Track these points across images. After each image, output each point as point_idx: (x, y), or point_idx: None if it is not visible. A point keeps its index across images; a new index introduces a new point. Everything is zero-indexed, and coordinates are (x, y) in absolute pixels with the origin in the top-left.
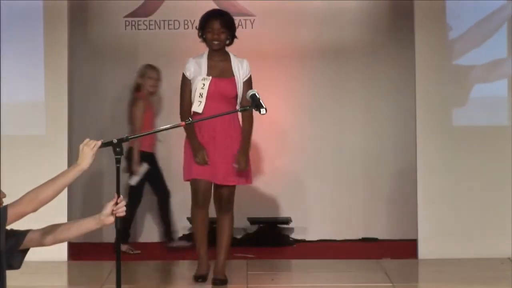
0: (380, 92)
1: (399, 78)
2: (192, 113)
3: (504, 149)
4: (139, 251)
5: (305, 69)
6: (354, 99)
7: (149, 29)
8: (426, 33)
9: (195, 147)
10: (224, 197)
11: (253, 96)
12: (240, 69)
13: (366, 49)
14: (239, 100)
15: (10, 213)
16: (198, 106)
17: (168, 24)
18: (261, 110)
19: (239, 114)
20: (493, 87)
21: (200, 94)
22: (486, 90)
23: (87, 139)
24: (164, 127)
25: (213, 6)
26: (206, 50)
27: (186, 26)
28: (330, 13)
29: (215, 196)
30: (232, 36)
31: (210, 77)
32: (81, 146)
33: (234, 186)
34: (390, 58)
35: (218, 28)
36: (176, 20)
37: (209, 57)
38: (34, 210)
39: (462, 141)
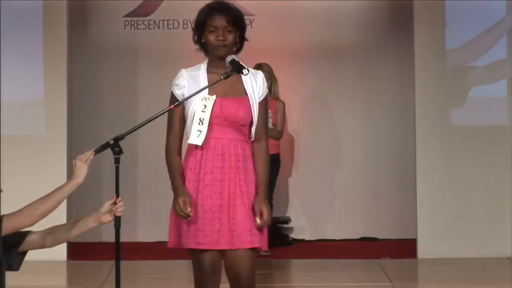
0: (379, 92)
1: (399, 78)
2: (187, 147)
3: (503, 149)
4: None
5: (304, 69)
6: (353, 99)
7: (148, 28)
8: (425, 33)
9: (176, 189)
10: (242, 271)
11: (233, 61)
12: (255, 85)
13: (366, 49)
14: (254, 128)
15: (6, 225)
16: (197, 137)
17: (168, 24)
18: (244, 71)
19: (251, 146)
20: (493, 87)
21: (200, 119)
22: (485, 90)
23: (79, 155)
24: (153, 116)
25: None
26: (204, 61)
27: (185, 26)
28: (330, 13)
29: (228, 272)
30: (241, 38)
31: (215, 97)
32: (73, 161)
33: (253, 251)
34: (390, 58)
35: (224, 26)
36: (175, 19)
37: (210, 69)
38: (31, 225)
39: (462, 141)
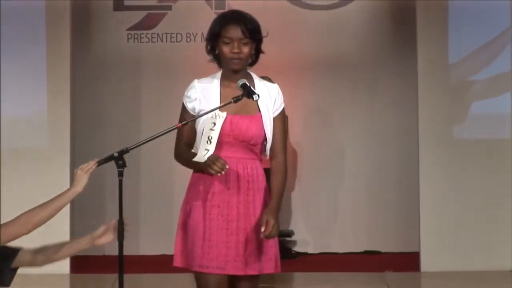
0: (382, 105)
1: (401, 92)
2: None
3: (505, 163)
4: None
5: (306, 82)
6: (356, 112)
7: (152, 42)
8: (428, 46)
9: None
10: None
11: (244, 85)
12: (269, 100)
13: (368, 61)
14: (268, 145)
15: (2, 233)
16: (204, 155)
17: (171, 37)
18: (254, 96)
19: (262, 164)
20: (496, 101)
21: (208, 138)
22: (488, 104)
23: (82, 165)
24: (160, 132)
25: None
26: (218, 72)
27: (188, 39)
28: (332, 26)
29: None
30: (257, 50)
31: (225, 114)
32: (75, 170)
33: (258, 279)
34: (392, 70)
35: (240, 38)
36: (179, 33)
37: (224, 82)
38: (28, 232)
39: (464, 155)
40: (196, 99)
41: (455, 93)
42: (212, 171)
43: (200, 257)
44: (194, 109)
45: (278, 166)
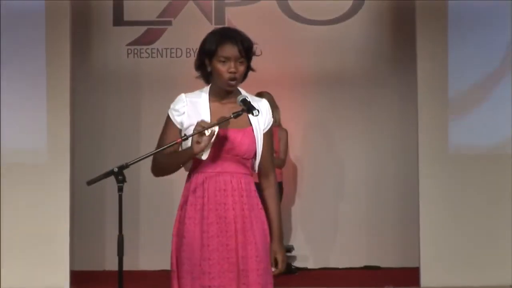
0: (382, 120)
1: (401, 106)
2: (186, 183)
3: (505, 177)
4: None
5: (306, 97)
6: (356, 127)
7: (151, 57)
8: (428, 61)
9: (185, 149)
10: None
11: (244, 100)
12: (260, 114)
13: (368, 77)
14: (257, 161)
15: None
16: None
17: (171, 52)
18: (254, 112)
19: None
20: (496, 114)
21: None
22: (488, 118)
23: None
24: (161, 147)
25: None
26: (205, 87)
27: (188, 54)
28: (332, 41)
29: None
30: (247, 68)
31: (217, 129)
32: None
33: None
34: (392, 85)
35: (237, 57)
36: (179, 48)
37: (212, 98)
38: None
39: (464, 170)
40: (184, 113)
41: (454, 107)
42: (202, 143)
43: (200, 277)
44: (182, 123)
45: (270, 184)
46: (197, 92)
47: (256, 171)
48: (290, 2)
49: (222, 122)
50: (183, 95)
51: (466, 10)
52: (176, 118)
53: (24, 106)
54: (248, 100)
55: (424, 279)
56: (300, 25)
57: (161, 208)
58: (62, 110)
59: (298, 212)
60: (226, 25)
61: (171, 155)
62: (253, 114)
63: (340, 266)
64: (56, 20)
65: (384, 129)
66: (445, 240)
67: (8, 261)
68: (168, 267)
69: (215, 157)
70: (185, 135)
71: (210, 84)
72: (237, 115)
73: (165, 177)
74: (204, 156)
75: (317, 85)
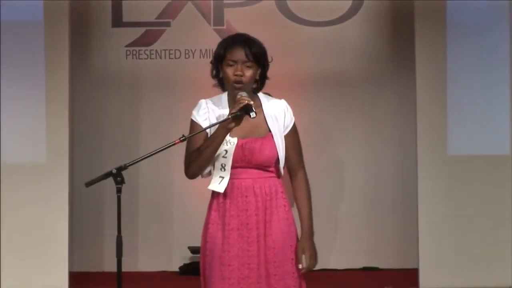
0: (381, 122)
1: (400, 108)
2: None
3: (505, 178)
4: None
5: (305, 98)
6: (355, 128)
7: (150, 58)
8: (427, 63)
9: (217, 130)
10: None
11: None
12: (278, 118)
13: (367, 78)
14: (281, 165)
15: None
16: (219, 184)
17: (169, 54)
18: (251, 114)
19: (282, 180)
20: (494, 115)
21: (222, 165)
22: (487, 119)
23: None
24: (159, 148)
25: (215, 36)
26: (223, 94)
27: (187, 56)
28: (331, 42)
29: None
30: (262, 76)
31: (236, 140)
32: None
33: None
34: (391, 87)
35: (244, 60)
36: (178, 49)
37: (230, 104)
38: None
39: (463, 171)
40: (206, 119)
41: (453, 109)
42: (242, 104)
43: (220, 282)
44: (204, 123)
45: (300, 183)
46: (215, 99)
47: (282, 175)
48: (289, 3)
49: (222, 122)
50: (203, 101)
51: (465, 11)
52: (198, 119)
53: (23, 107)
54: (246, 102)
55: (423, 280)
56: (299, 26)
57: (160, 209)
58: (61, 111)
59: (296, 214)
60: (225, 26)
61: (205, 144)
62: (250, 116)
63: (339, 267)
64: (55, 21)
65: (383, 130)
66: (444, 242)
67: (7, 262)
68: (166, 268)
69: (236, 168)
70: (200, 126)
71: (227, 91)
72: (234, 116)
73: (164, 178)
74: (222, 188)
75: (316, 86)
